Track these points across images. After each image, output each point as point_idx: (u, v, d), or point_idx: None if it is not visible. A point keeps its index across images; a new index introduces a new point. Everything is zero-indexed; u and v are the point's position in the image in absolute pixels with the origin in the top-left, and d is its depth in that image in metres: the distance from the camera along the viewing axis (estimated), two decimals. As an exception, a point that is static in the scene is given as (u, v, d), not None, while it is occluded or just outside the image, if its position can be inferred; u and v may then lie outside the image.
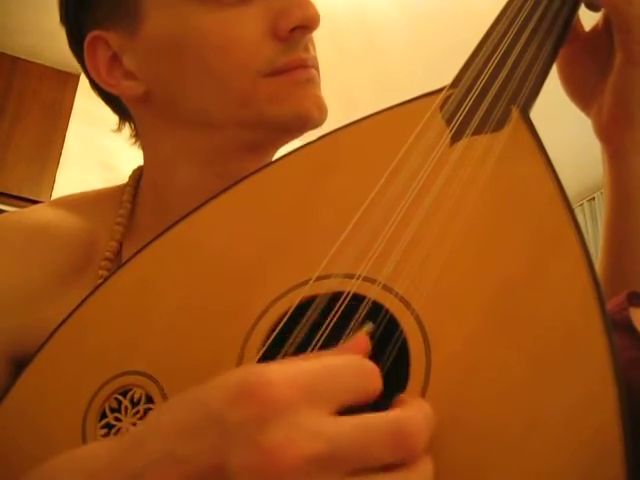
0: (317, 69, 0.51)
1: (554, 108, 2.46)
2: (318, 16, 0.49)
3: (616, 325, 0.40)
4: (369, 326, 0.32)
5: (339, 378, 0.26)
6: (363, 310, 0.33)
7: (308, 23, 0.48)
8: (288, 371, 0.26)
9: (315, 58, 0.51)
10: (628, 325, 0.41)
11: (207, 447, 0.24)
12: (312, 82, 0.49)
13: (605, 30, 0.48)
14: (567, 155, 2.76)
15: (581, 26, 0.49)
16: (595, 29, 0.49)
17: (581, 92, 0.50)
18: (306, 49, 0.50)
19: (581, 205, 3.33)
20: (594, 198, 3.28)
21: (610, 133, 0.48)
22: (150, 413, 0.33)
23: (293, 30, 0.48)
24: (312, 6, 0.48)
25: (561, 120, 2.62)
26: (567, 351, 0.30)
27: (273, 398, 0.24)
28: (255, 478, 0.23)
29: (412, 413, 0.26)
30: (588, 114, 0.50)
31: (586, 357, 0.30)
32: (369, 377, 0.27)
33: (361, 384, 0.27)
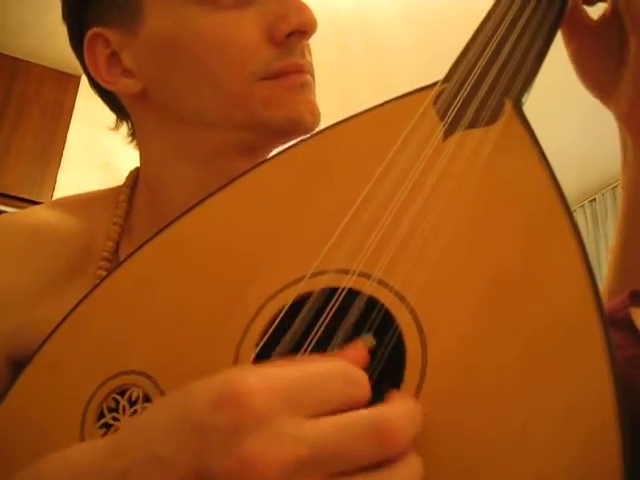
0: (312, 75, 0.52)
1: (556, 110, 2.47)
2: (315, 22, 0.49)
3: (616, 323, 0.40)
4: (370, 340, 0.31)
5: (322, 386, 0.26)
6: (358, 305, 0.32)
7: (305, 28, 0.49)
8: (269, 378, 0.26)
9: (310, 64, 0.51)
10: (629, 324, 0.41)
11: (188, 452, 0.24)
12: (307, 87, 0.50)
13: (614, 17, 0.47)
14: (568, 156, 2.76)
15: (588, 16, 0.48)
16: (603, 17, 0.48)
17: (598, 83, 0.49)
18: (302, 54, 0.50)
19: (582, 206, 3.33)
20: (595, 199, 3.28)
21: (634, 120, 0.46)
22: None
23: (290, 35, 0.48)
24: (309, 12, 0.49)
25: (562, 122, 2.62)
26: (563, 347, 0.30)
27: (253, 406, 0.24)
28: None
29: (393, 409, 0.26)
30: (608, 104, 0.49)
31: (583, 353, 0.30)
32: (355, 385, 0.27)
33: (346, 392, 0.26)
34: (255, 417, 0.24)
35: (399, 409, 0.26)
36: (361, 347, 0.30)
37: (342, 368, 0.27)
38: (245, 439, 0.24)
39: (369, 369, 0.29)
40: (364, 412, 0.26)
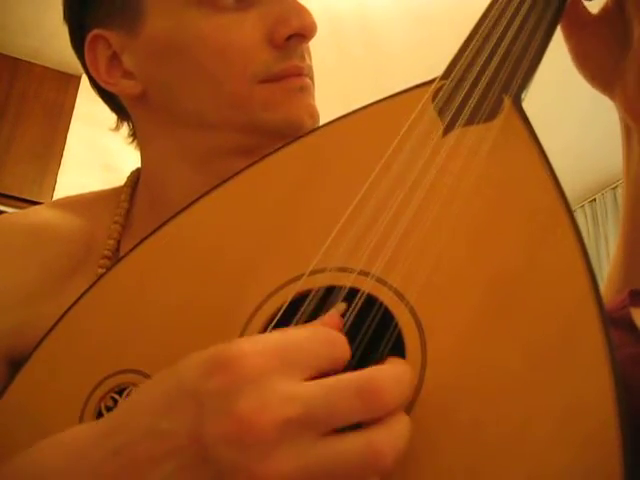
0: (312, 78, 0.52)
1: (556, 111, 2.47)
2: (315, 25, 0.49)
3: (616, 322, 0.40)
4: (341, 305, 0.32)
5: (308, 346, 0.27)
6: (357, 303, 0.32)
7: (304, 32, 0.49)
8: (259, 342, 0.27)
9: (310, 67, 0.52)
10: (629, 323, 0.41)
11: (184, 420, 0.25)
12: (306, 90, 0.50)
13: (616, 8, 0.47)
14: (568, 157, 2.76)
15: (587, 11, 0.48)
16: (605, 10, 0.48)
17: (601, 76, 0.49)
18: (302, 58, 0.50)
19: (582, 206, 3.33)
20: (595, 199, 3.28)
21: (638, 107, 0.46)
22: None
23: (289, 38, 0.48)
24: (309, 15, 0.49)
25: (562, 123, 2.62)
26: (563, 345, 0.30)
27: (245, 367, 0.25)
28: (232, 446, 0.24)
29: (381, 371, 0.27)
30: (612, 97, 0.49)
31: (582, 352, 0.29)
32: (336, 345, 0.28)
33: (329, 352, 0.28)
34: (248, 378, 0.25)
35: (387, 370, 0.27)
36: (334, 313, 0.32)
37: (324, 331, 0.29)
38: (239, 399, 0.24)
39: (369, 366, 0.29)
40: (353, 373, 0.26)
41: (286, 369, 0.26)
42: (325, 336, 0.28)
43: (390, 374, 0.27)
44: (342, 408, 0.25)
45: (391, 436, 0.26)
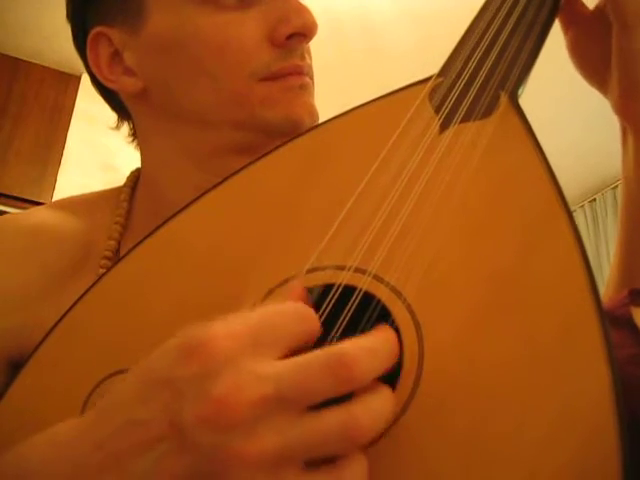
0: (312, 78, 0.52)
1: (557, 111, 2.47)
2: (315, 24, 0.50)
3: (616, 321, 0.40)
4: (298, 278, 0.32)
5: (277, 324, 0.27)
6: (355, 301, 0.32)
7: (305, 31, 0.49)
8: (228, 324, 0.27)
9: (310, 66, 0.52)
10: (628, 321, 0.41)
11: (161, 408, 0.25)
12: (305, 89, 0.50)
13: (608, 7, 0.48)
14: (569, 157, 2.76)
15: (585, 7, 0.49)
16: (598, 7, 0.48)
17: (594, 72, 0.49)
18: (302, 57, 0.51)
19: (582, 206, 3.33)
20: (595, 199, 3.28)
21: (626, 108, 0.46)
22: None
23: (290, 37, 0.49)
24: (310, 14, 0.49)
25: (563, 123, 2.62)
26: (561, 344, 0.30)
27: (216, 351, 0.25)
28: (210, 429, 0.24)
29: (351, 344, 0.27)
30: (605, 94, 0.49)
31: (580, 351, 0.29)
32: (306, 320, 0.28)
33: (300, 327, 0.28)
34: (221, 361, 0.25)
35: (358, 343, 0.27)
36: (297, 286, 0.32)
37: (292, 307, 0.29)
38: (213, 382, 0.25)
39: None
40: (324, 349, 0.26)
41: (258, 349, 0.26)
42: (294, 311, 0.28)
43: (362, 346, 0.27)
44: (312, 384, 0.25)
45: (368, 408, 0.26)
